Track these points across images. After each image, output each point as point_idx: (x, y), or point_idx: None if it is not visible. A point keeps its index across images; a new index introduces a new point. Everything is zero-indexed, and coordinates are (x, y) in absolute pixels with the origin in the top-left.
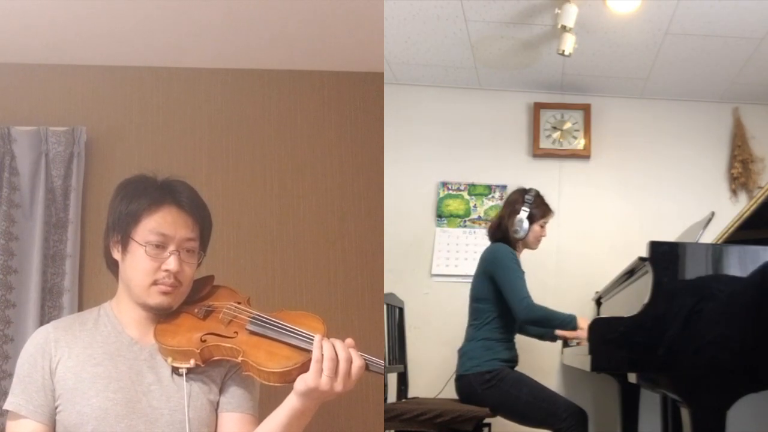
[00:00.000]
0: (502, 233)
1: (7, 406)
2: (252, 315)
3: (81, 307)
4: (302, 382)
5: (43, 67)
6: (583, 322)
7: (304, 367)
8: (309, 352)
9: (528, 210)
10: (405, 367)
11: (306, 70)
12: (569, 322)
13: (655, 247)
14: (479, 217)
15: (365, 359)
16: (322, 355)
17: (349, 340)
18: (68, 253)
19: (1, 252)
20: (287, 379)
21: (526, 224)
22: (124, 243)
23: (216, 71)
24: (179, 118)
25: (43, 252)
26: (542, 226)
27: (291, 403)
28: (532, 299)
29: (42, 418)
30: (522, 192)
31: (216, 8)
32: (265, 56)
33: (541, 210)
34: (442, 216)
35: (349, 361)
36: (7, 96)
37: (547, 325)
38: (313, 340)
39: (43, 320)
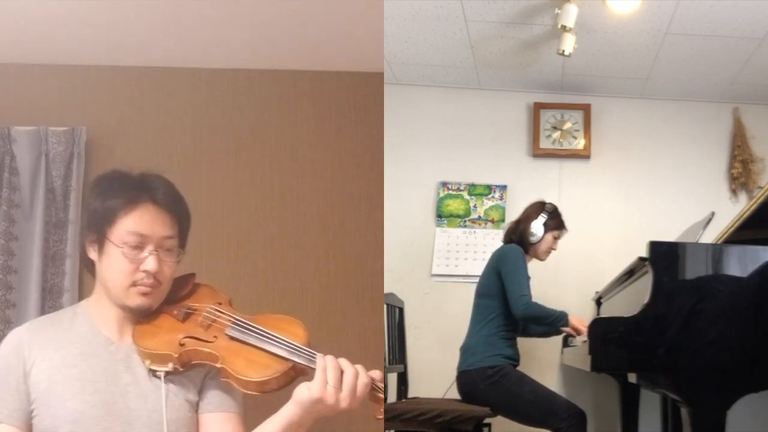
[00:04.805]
0: (517, 236)
1: None
2: (233, 320)
3: None
4: (306, 391)
5: (43, 67)
6: (575, 320)
7: (283, 378)
8: (289, 361)
9: (545, 218)
10: (405, 367)
11: (306, 70)
12: (561, 319)
13: (655, 247)
14: (479, 217)
15: (372, 379)
16: (326, 364)
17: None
18: (68, 253)
19: (1, 252)
20: (265, 388)
21: (541, 230)
22: (101, 243)
23: (216, 71)
24: (179, 118)
25: (43, 252)
26: (555, 238)
27: (289, 413)
28: (531, 298)
29: (17, 422)
30: (542, 203)
31: (216, 9)
32: (265, 56)
33: (556, 221)
34: (442, 216)
35: (356, 376)
36: (7, 96)
37: (542, 322)
38: (293, 347)
39: None
